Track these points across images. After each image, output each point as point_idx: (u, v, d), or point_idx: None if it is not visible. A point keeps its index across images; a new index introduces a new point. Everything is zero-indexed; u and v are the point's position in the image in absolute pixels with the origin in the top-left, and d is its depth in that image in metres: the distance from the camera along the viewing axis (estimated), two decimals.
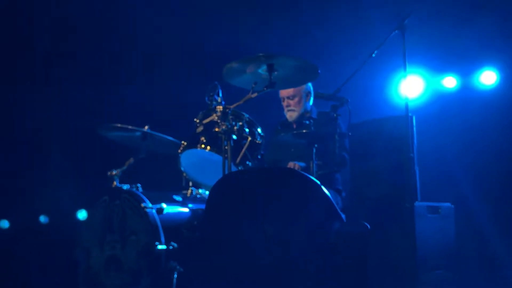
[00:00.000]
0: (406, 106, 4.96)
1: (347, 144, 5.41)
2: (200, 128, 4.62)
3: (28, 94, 6.54)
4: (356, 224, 3.01)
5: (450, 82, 7.15)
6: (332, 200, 3.16)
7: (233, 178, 3.89)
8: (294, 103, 5.57)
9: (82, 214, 5.77)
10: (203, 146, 4.58)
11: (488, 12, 6.60)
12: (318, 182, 3.39)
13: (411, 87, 6.92)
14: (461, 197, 6.47)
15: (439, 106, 7.01)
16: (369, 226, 3.00)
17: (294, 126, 5.62)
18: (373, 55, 5.02)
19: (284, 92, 5.56)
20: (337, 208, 3.05)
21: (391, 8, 6.51)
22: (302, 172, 3.67)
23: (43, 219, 6.57)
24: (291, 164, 5.12)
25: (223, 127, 4.42)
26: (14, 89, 6.50)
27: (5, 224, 6.63)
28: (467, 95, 7.00)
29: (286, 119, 5.68)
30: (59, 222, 6.35)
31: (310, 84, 5.60)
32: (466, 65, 7.02)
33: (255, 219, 3.15)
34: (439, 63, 7.04)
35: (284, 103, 5.61)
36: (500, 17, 6.61)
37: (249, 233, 3.16)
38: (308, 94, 5.63)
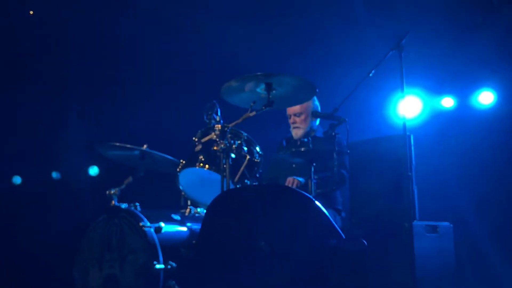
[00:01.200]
0: (404, 125, 4.97)
1: (346, 162, 5.41)
2: (199, 147, 4.63)
3: (27, 113, 6.56)
4: (354, 241, 2.99)
5: (448, 101, 7.17)
6: (329, 216, 3.15)
7: (228, 196, 3.88)
8: (300, 120, 5.60)
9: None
10: (201, 164, 4.58)
11: (485, 33, 6.64)
12: (312, 198, 3.38)
13: (409, 106, 6.95)
14: (460, 216, 6.45)
15: (437, 126, 7.02)
16: (366, 243, 2.98)
17: (298, 143, 5.63)
18: (370, 74, 5.05)
19: (290, 110, 5.60)
20: (335, 224, 3.04)
21: (389, 28, 6.54)
22: (297, 189, 3.66)
23: None
24: (290, 180, 5.13)
25: (222, 145, 4.42)
26: (15, 110, 6.53)
27: None
28: (465, 115, 7.02)
29: (292, 136, 5.70)
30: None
31: (317, 103, 5.63)
32: (463, 85, 7.04)
33: (250, 236, 3.14)
34: (436, 82, 7.06)
35: (291, 120, 5.64)
36: (497, 38, 6.64)
37: (244, 250, 3.15)
38: (311, 114, 5.65)
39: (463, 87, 7.06)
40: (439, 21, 6.80)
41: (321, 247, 2.97)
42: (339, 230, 3.10)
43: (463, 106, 7.11)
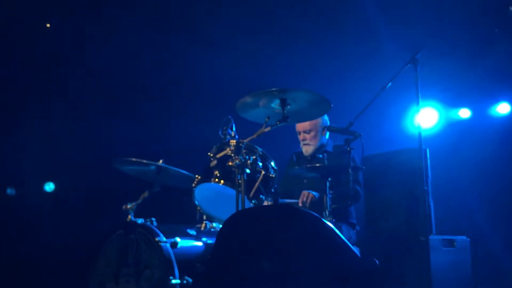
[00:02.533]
0: (420, 138, 4.96)
1: (360, 177, 5.41)
2: (214, 162, 4.64)
3: (43, 128, 6.63)
4: (365, 261, 2.98)
5: (464, 113, 7.15)
6: (339, 233, 3.15)
7: (241, 216, 3.88)
8: (310, 137, 5.59)
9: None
10: (216, 180, 4.59)
11: (501, 46, 6.61)
12: (322, 219, 3.37)
13: (425, 119, 6.92)
14: (477, 229, 6.42)
15: (453, 138, 6.99)
16: (377, 262, 2.97)
17: (309, 159, 5.64)
18: (387, 86, 5.05)
19: (300, 127, 5.59)
20: (347, 242, 3.04)
21: (404, 41, 6.54)
22: (307, 211, 3.66)
23: None
24: (305, 193, 5.14)
25: (237, 161, 4.43)
26: (31, 124, 6.59)
27: None
28: (481, 127, 6.98)
29: (302, 152, 5.70)
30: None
31: (326, 118, 5.63)
32: (479, 97, 7.02)
33: (260, 257, 3.15)
34: (452, 95, 7.04)
35: (300, 137, 5.63)
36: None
37: (255, 271, 3.15)
38: (324, 128, 5.65)
39: (479, 100, 7.03)
40: (455, 34, 6.78)
41: (333, 268, 2.96)
42: (353, 248, 3.09)
43: (479, 117, 7.07)
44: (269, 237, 3.16)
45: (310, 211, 3.49)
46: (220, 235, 3.75)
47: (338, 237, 3.06)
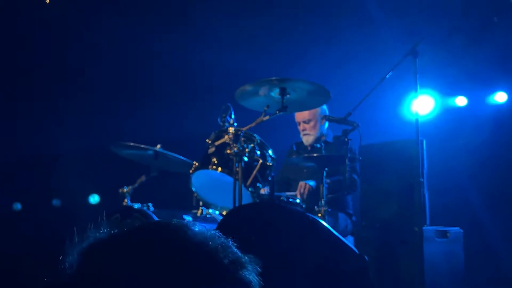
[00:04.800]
0: (417, 130, 4.99)
1: (358, 167, 5.44)
2: (212, 149, 4.65)
3: (43, 114, 6.61)
4: (354, 258, 3.00)
5: (461, 101, 7.15)
6: (334, 232, 3.17)
7: (236, 214, 3.89)
8: (309, 127, 5.59)
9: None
10: (214, 167, 4.60)
11: (500, 33, 6.61)
12: (319, 220, 3.39)
13: (422, 107, 6.92)
14: (473, 220, 6.45)
15: (450, 127, 7.00)
16: (367, 258, 2.99)
17: (309, 148, 5.65)
18: (387, 76, 5.05)
19: (299, 117, 5.59)
20: (345, 241, 3.06)
21: (403, 30, 6.53)
22: (304, 212, 3.67)
23: None
24: (302, 184, 5.16)
25: (235, 149, 4.45)
26: (32, 109, 6.57)
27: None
28: (477, 116, 6.99)
29: (302, 142, 5.71)
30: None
31: (325, 108, 5.63)
32: (477, 85, 7.01)
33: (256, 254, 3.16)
34: (449, 83, 7.04)
35: (300, 127, 5.63)
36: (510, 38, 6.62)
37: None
38: (323, 118, 5.66)
39: (477, 88, 7.03)
40: (453, 21, 6.77)
41: (325, 266, 2.98)
42: (347, 243, 3.12)
43: (476, 106, 7.08)
44: (264, 236, 3.17)
45: (307, 213, 3.50)
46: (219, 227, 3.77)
47: (333, 236, 3.07)
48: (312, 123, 5.58)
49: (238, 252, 1.37)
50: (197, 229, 1.36)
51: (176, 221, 1.37)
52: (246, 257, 1.38)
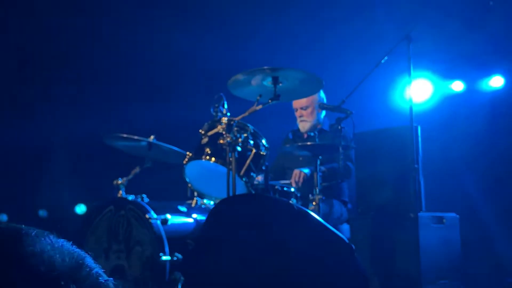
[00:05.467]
0: (411, 116, 4.98)
1: (352, 155, 5.43)
2: (205, 140, 4.63)
3: (37, 103, 6.58)
4: (339, 247, 2.99)
5: (457, 86, 7.12)
6: (326, 224, 3.16)
7: (228, 203, 3.88)
8: (307, 113, 5.58)
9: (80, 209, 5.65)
10: (208, 157, 4.59)
11: (497, 16, 6.56)
12: (308, 211, 3.38)
13: (417, 93, 6.89)
14: (469, 205, 6.45)
15: (446, 113, 6.98)
16: (353, 247, 2.99)
17: (305, 136, 5.64)
18: (382, 61, 5.03)
19: (297, 103, 5.58)
20: (335, 231, 3.05)
21: (397, 14, 6.49)
22: (294, 204, 3.65)
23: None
24: (296, 172, 5.15)
25: (228, 139, 4.43)
26: (23, 98, 6.54)
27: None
28: (474, 101, 6.97)
29: (298, 129, 5.70)
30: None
31: (323, 96, 5.61)
32: (473, 69, 6.98)
33: (245, 242, 3.17)
34: (445, 68, 7.00)
35: (297, 113, 5.62)
36: (508, 21, 6.58)
37: (241, 255, 3.17)
38: (318, 106, 5.64)
39: (473, 72, 7.00)
40: (449, 5, 6.72)
41: (314, 260, 2.98)
42: (341, 236, 3.11)
43: (473, 91, 7.05)
44: (257, 225, 3.17)
45: (299, 206, 3.49)
46: (211, 216, 3.76)
47: (320, 225, 3.06)
48: (309, 110, 5.58)
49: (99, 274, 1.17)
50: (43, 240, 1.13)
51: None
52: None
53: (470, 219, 6.12)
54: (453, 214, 5.55)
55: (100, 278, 1.18)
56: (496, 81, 6.96)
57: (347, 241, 2.97)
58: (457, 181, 6.73)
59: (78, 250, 1.18)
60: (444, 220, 5.45)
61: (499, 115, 6.78)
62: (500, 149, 6.64)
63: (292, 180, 5.07)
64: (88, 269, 1.17)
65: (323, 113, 5.68)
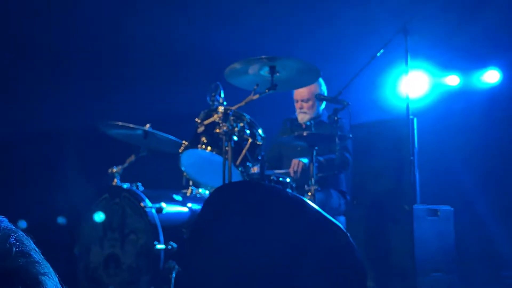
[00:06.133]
0: (407, 108, 4.98)
1: (349, 146, 5.42)
2: (201, 128, 4.61)
3: (32, 91, 6.54)
4: (338, 234, 2.99)
5: (453, 80, 7.11)
6: (324, 213, 3.16)
7: (224, 191, 3.88)
8: (307, 106, 5.55)
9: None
10: (203, 146, 4.57)
11: (493, 9, 6.56)
12: (305, 200, 3.37)
13: (413, 87, 6.88)
14: (464, 198, 6.45)
15: (442, 106, 6.98)
16: (348, 235, 2.98)
17: (303, 127, 5.62)
18: (378, 54, 5.03)
19: (298, 95, 5.55)
20: (333, 220, 3.04)
21: (395, 7, 6.47)
22: (290, 192, 3.65)
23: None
24: (295, 162, 5.14)
25: (224, 128, 4.42)
26: (16, 88, 6.49)
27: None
28: (470, 95, 6.97)
29: (296, 118, 5.68)
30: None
31: (324, 89, 5.58)
32: (469, 64, 6.97)
33: (240, 230, 3.17)
34: (442, 61, 7.00)
35: (298, 105, 5.59)
36: (503, 15, 6.57)
37: (236, 243, 3.17)
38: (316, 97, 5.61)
39: (469, 65, 6.99)
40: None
41: (311, 246, 2.98)
42: (338, 224, 3.11)
43: (469, 85, 7.05)
44: (253, 213, 3.16)
45: (295, 194, 3.49)
46: (206, 203, 3.76)
47: (317, 213, 3.06)
48: (310, 103, 5.54)
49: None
50: None
51: None
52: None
53: (465, 212, 6.12)
54: (447, 207, 5.56)
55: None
56: (492, 75, 6.95)
57: (344, 229, 2.96)
58: (452, 174, 6.74)
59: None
60: (439, 213, 5.47)
61: (495, 109, 6.79)
62: (495, 142, 6.65)
63: (291, 170, 5.06)
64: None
65: (324, 104, 5.65)
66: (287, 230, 3.02)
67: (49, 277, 1.14)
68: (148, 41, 6.80)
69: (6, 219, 1.18)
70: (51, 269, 1.16)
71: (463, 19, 6.65)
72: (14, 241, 1.13)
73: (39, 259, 1.15)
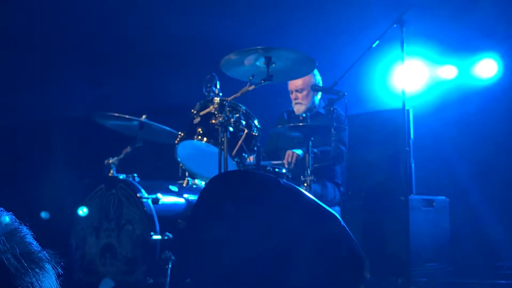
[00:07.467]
0: (403, 99, 4.98)
1: (345, 137, 5.41)
2: (197, 119, 4.62)
3: (27, 82, 6.53)
4: (329, 223, 2.99)
5: (449, 72, 7.10)
6: (321, 203, 3.16)
7: (221, 179, 3.87)
8: (302, 96, 5.51)
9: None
10: (199, 137, 4.58)
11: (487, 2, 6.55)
12: (301, 190, 3.37)
13: (409, 78, 6.86)
14: (459, 189, 6.46)
15: (438, 98, 6.97)
16: (343, 223, 2.99)
17: (301, 118, 5.61)
18: (374, 45, 5.02)
19: (292, 85, 5.52)
20: (330, 210, 3.05)
21: None
22: (286, 182, 3.65)
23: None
24: (289, 153, 5.14)
25: (220, 119, 4.42)
26: (12, 78, 6.48)
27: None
28: (466, 86, 6.96)
29: (293, 110, 5.68)
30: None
31: (319, 79, 5.57)
32: (466, 54, 6.96)
33: (236, 220, 3.17)
34: (438, 52, 6.99)
35: (292, 96, 5.56)
36: (500, 5, 6.56)
37: (232, 234, 3.18)
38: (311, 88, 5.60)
39: (465, 57, 6.98)
40: None
41: (306, 236, 2.98)
42: (334, 213, 3.11)
43: (465, 77, 7.04)
44: (249, 202, 3.16)
45: (291, 183, 3.49)
46: (203, 193, 3.76)
47: (312, 202, 3.06)
48: (304, 93, 5.50)
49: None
50: None
51: None
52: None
53: (460, 202, 6.14)
54: (443, 198, 5.59)
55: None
56: (488, 66, 6.93)
57: (340, 218, 2.97)
58: (448, 165, 6.74)
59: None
60: (434, 203, 5.50)
61: (491, 99, 6.78)
62: (491, 133, 6.65)
63: (285, 161, 5.07)
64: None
65: (319, 94, 5.64)
66: (283, 219, 3.02)
67: (46, 271, 1.14)
68: (144, 32, 6.78)
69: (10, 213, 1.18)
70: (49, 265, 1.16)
71: (460, 10, 6.63)
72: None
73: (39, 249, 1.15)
